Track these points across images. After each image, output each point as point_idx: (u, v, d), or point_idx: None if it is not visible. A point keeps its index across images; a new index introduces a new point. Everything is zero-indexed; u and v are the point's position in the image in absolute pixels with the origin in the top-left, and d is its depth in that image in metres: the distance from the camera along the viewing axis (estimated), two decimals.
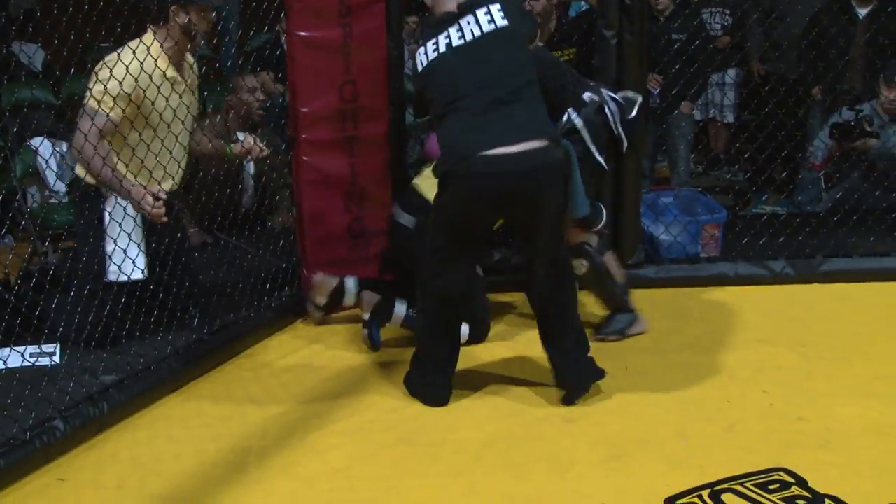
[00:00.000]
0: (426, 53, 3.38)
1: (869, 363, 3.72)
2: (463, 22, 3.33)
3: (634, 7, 4.21)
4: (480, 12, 3.33)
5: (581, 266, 3.89)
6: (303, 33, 4.06)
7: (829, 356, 3.80)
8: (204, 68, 4.19)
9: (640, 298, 4.22)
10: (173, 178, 3.86)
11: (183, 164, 3.91)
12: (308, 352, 3.99)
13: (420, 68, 3.42)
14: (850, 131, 5.24)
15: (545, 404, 3.46)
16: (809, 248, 4.68)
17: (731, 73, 6.55)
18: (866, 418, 3.30)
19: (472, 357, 3.83)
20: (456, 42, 3.32)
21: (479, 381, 3.66)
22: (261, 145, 4.12)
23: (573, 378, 3.50)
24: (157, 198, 3.52)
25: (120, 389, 3.41)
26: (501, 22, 3.31)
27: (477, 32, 3.31)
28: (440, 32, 3.37)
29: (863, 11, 5.83)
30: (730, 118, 6.73)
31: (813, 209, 5.49)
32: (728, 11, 6.42)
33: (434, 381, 3.51)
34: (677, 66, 5.46)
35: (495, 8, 3.33)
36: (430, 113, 3.49)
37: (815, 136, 5.66)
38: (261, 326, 4.09)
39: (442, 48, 3.34)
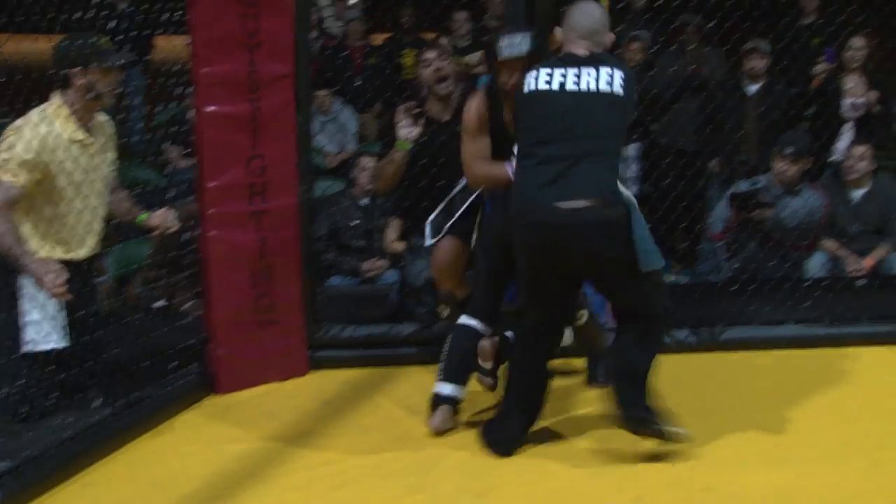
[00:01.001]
0: (538, 79, 3.47)
1: (770, 430, 3.78)
2: (585, 70, 3.44)
3: None
4: (604, 70, 3.44)
5: (582, 315, 4.01)
6: (210, 108, 4.03)
7: (733, 424, 3.83)
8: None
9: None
10: (88, 244, 3.76)
11: (98, 228, 3.81)
12: (214, 430, 3.89)
13: (526, 90, 3.50)
14: (747, 202, 5.38)
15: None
16: (710, 317, 4.76)
17: (633, 146, 6.69)
18: (770, 484, 3.35)
19: None
20: (570, 86, 3.42)
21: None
22: (171, 221, 4.04)
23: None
24: (59, 274, 3.42)
25: (15, 477, 3.24)
26: (618, 90, 3.42)
27: (593, 87, 3.42)
28: (559, 68, 3.46)
29: (753, 88, 6.04)
30: (632, 189, 6.85)
31: (713, 279, 5.59)
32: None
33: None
34: None
35: (618, 75, 3.43)
36: (516, 136, 3.60)
37: (714, 207, 5.80)
38: (167, 405, 3.98)
39: (555, 85, 3.43)
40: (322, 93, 6.46)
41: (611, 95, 3.41)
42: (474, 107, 3.85)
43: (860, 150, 5.45)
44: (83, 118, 3.67)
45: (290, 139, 4.22)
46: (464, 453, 3.65)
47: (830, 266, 5.52)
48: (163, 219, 4.01)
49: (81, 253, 3.70)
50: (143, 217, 4.01)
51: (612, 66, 3.45)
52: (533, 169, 3.43)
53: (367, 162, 5.24)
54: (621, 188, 3.47)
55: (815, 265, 5.48)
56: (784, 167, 5.37)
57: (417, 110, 4.40)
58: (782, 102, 6.03)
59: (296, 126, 4.23)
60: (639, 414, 3.52)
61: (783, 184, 5.41)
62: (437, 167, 4.44)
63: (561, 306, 3.71)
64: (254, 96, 4.09)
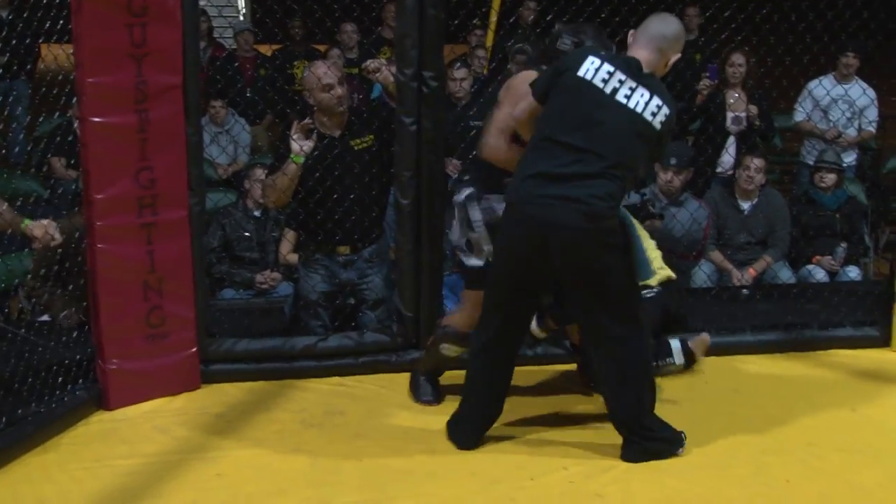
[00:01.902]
0: (598, 70, 3.42)
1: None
2: (640, 90, 3.42)
3: (432, 94, 4.31)
4: (655, 100, 3.43)
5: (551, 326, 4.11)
6: (96, 119, 3.94)
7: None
8: None
9: (441, 378, 4.29)
10: None
11: None
12: (104, 447, 3.80)
13: (580, 72, 3.43)
14: (637, 213, 5.52)
15: None
16: None
17: None
18: (661, 494, 3.43)
19: None
20: (620, 97, 3.41)
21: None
22: (53, 232, 3.95)
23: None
24: None
25: None
26: (657, 125, 3.43)
27: (639, 109, 3.41)
28: (622, 71, 3.43)
29: None
30: None
31: None
32: None
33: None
34: (475, 153, 5.61)
35: (664, 112, 3.44)
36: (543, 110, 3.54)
37: None
38: (54, 422, 3.87)
39: (608, 88, 3.41)
40: (216, 104, 6.41)
41: (649, 126, 3.43)
42: (531, 77, 3.69)
43: (756, 162, 5.64)
44: None
45: (180, 150, 4.16)
46: (359, 465, 3.66)
47: (717, 277, 5.71)
48: (44, 230, 3.92)
49: None
50: (27, 223, 3.92)
51: (664, 100, 3.46)
52: (542, 156, 3.43)
53: (260, 173, 5.21)
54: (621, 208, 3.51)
55: (702, 275, 5.66)
56: (668, 178, 5.53)
57: (311, 125, 4.42)
58: None
59: (186, 137, 4.18)
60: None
61: (667, 194, 5.57)
62: (331, 181, 4.47)
63: (522, 319, 3.74)
64: (142, 107, 4.01)
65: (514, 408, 3.99)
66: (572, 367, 4.46)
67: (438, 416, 4.00)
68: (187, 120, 4.17)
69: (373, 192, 4.60)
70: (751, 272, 5.60)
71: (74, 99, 4.07)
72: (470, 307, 3.97)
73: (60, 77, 4.29)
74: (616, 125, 3.41)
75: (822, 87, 6.49)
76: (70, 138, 4.93)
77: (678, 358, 4.50)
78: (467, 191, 3.93)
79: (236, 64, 7.34)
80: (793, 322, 4.91)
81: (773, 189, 5.88)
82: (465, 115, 5.82)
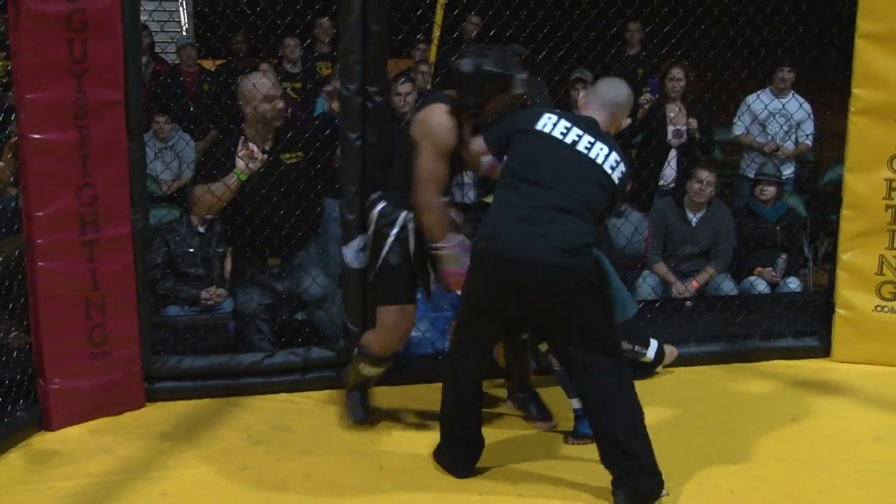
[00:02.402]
0: (556, 125, 3.50)
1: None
2: (600, 144, 3.49)
3: (376, 109, 4.31)
4: (614, 155, 3.51)
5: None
6: (35, 135, 3.89)
7: (571, 444, 3.97)
8: None
9: (390, 394, 4.29)
10: None
11: None
12: (47, 468, 3.74)
13: (539, 127, 3.51)
14: None
15: None
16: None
17: (471, 173, 6.82)
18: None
19: None
20: (581, 148, 3.47)
21: None
22: None
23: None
24: None
25: None
26: (615, 178, 3.50)
27: (599, 160, 3.47)
28: (578, 127, 3.51)
29: None
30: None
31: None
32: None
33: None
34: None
35: (621, 168, 3.52)
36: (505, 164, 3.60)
37: None
38: None
39: (568, 140, 3.48)
40: (160, 119, 6.35)
41: (609, 178, 3.49)
42: (448, 124, 3.75)
43: (706, 175, 5.71)
44: None
45: (122, 166, 4.12)
46: (306, 482, 3.65)
47: (661, 289, 5.77)
48: None
49: None
50: None
51: (621, 157, 3.54)
52: (513, 204, 3.44)
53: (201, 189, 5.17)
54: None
55: (647, 288, 5.72)
56: None
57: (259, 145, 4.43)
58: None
59: (128, 153, 4.14)
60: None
61: None
62: (259, 196, 4.54)
63: (491, 349, 3.84)
64: (82, 123, 3.97)
65: None
66: None
67: (385, 432, 4.02)
68: (129, 136, 4.15)
69: (301, 206, 4.63)
70: (694, 284, 5.66)
71: (13, 115, 4.01)
72: (383, 327, 3.98)
73: None
74: (580, 171, 3.47)
75: (760, 101, 6.60)
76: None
77: (651, 353, 4.60)
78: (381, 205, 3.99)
79: (180, 79, 7.29)
80: (735, 333, 4.99)
81: (719, 201, 5.96)
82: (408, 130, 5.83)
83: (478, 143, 3.78)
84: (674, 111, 6.25)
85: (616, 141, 3.63)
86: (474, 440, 3.71)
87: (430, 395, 4.37)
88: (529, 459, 3.80)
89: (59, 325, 4.02)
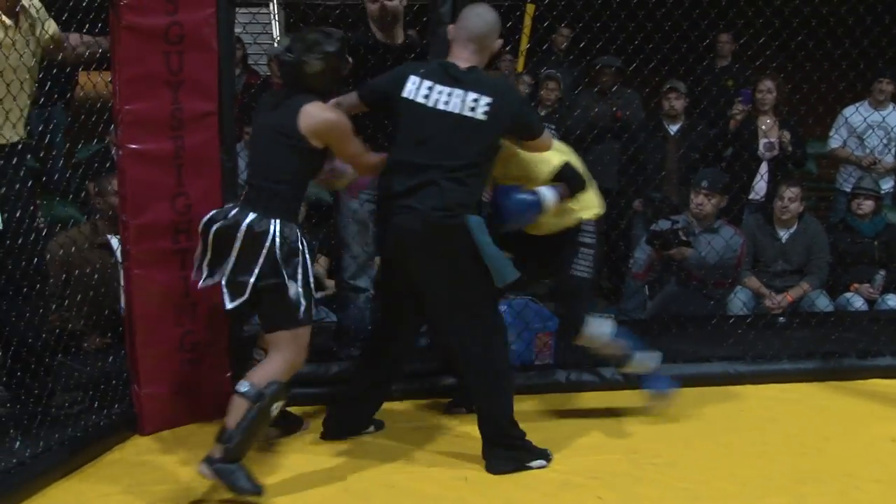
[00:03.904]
0: (418, 89, 3.67)
1: (694, 468, 3.84)
2: (456, 92, 3.64)
3: None
4: (471, 95, 3.63)
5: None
6: (133, 146, 3.99)
7: (658, 462, 3.90)
8: (30, 182, 4.06)
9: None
10: (15, 128, 3.85)
11: (26, 112, 3.94)
12: (138, 471, 3.80)
13: (405, 94, 3.68)
14: (668, 241, 5.50)
15: None
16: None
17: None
18: None
19: None
20: (441, 105, 3.64)
21: None
22: None
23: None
24: None
25: None
26: (480, 116, 3.61)
27: (457, 110, 3.63)
28: (438, 83, 3.67)
29: (674, 128, 6.20)
30: None
31: (638, 316, 5.69)
32: (553, 126, 6.69)
33: None
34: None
35: (484, 101, 3.62)
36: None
37: (638, 246, 5.91)
38: (89, 446, 3.90)
39: (431, 102, 3.65)
40: (250, 129, 6.45)
41: (472, 120, 3.61)
42: (342, 111, 3.75)
43: (792, 191, 5.61)
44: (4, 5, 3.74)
45: (214, 176, 4.19)
46: (389, 492, 3.65)
47: (753, 304, 5.66)
48: None
49: (14, 137, 3.84)
50: None
51: (481, 91, 3.63)
52: (394, 175, 3.68)
53: None
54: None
55: (738, 303, 5.62)
56: (700, 202, 5.51)
57: None
58: (701, 142, 6.20)
59: (220, 163, 4.21)
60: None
61: (699, 220, 5.55)
62: None
63: (409, 328, 3.98)
64: (177, 134, 4.05)
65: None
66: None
67: (469, 444, 4.01)
68: (222, 146, 4.21)
69: None
70: (788, 297, 5.55)
71: (112, 125, 4.12)
72: (299, 348, 3.61)
73: (98, 105, 4.34)
74: (443, 134, 3.62)
75: (859, 114, 6.44)
76: (108, 164, 4.97)
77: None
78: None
79: (271, 90, 7.39)
80: (831, 350, 4.87)
81: (812, 217, 5.84)
82: None
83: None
84: (766, 123, 6.14)
85: (480, 74, 3.73)
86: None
87: (517, 408, 4.36)
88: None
89: (151, 331, 4.10)
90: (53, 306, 4.59)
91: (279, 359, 3.54)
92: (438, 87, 3.66)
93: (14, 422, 3.79)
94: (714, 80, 6.58)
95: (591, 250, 4.08)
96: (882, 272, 5.73)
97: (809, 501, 3.58)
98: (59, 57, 4.13)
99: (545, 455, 3.85)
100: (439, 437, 4.14)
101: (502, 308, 4.86)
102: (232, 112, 4.30)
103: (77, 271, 4.73)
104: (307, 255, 3.55)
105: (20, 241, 3.83)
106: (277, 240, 3.45)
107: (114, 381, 4.20)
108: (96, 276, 4.64)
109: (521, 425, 3.87)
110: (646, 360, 4.24)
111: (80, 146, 6.00)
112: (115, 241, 4.57)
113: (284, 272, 3.45)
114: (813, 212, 6.43)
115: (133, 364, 4.13)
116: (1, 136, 3.80)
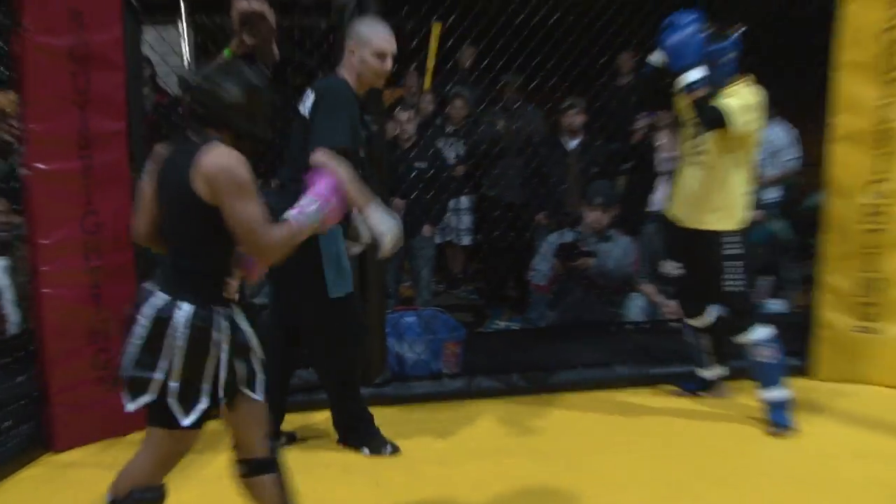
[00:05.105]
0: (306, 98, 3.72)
1: (598, 471, 3.93)
2: (309, 93, 3.71)
3: (372, 135, 4.35)
4: (309, 95, 3.71)
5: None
6: (41, 165, 3.96)
7: (564, 464, 3.99)
8: None
9: (388, 415, 4.32)
10: None
11: None
12: (53, 488, 3.78)
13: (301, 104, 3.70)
14: (570, 252, 5.63)
15: None
16: (539, 361, 4.94)
17: (465, 199, 6.88)
18: None
19: None
20: (302, 111, 3.71)
21: None
22: None
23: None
24: None
25: None
26: (305, 112, 3.68)
27: (303, 112, 3.70)
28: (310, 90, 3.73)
29: (573, 143, 6.33)
30: (466, 241, 7.04)
31: (541, 324, 5.80)
32: (462, 141, 6.78)
33: None
34: (417, 192, 5.74)
35: (310, 99, 3.68)
36: None
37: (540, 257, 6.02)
38: (1, 465, 3.86)
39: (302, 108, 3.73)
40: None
41: (304, 119, 3.69)
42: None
43: None
44: None
45: (125, 194, 4.17)
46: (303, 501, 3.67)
47: (650, 310, 5.81)
48: None
49: None
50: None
51: (313, 88, 3.72)
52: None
53: None
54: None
55: (636, 308, 5.76)
56: (595, 216, 5.65)
57: None
58: (601, 157, 6.35)
59: (131, 181, 4.19)
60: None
61: (595, 232, 5.69)
62: None
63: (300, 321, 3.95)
64: (86, 153, 4.03)
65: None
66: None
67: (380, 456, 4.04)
68: (132, 164, 4.19)
69: None
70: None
71: (18, 145, 4.07)
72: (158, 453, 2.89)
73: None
74: (295, 138, 3.75)
75: None
76: (15, 184, 4.88)
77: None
78: None
79: (180, 109, 7.34)
80: (721, 352, 5.01)
81: None
82: (408, 156, 5.96)
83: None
84: (662, 139, 6.30)
85: (330, 76, 3.81)
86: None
87: (425, 416, 4.43)
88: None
89: (63, 350, 4.07)
90: None
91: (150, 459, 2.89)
92: (309, 92, 3.76)
93: None
94: (615, 96, 6.72)
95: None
96: (768, 278, 5.91)
97: (694, 492, 3.70)
98: None
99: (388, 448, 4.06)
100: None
101: (412, 319, 4.97)
102: (141, 131, 4.28)
103: None
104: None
105: None
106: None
107: (23, 401, 4.14)
108: None
109: (430, 433, 3.93)
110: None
111: None
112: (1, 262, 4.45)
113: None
114: None
115: (44, 383, 4.08)
116: None
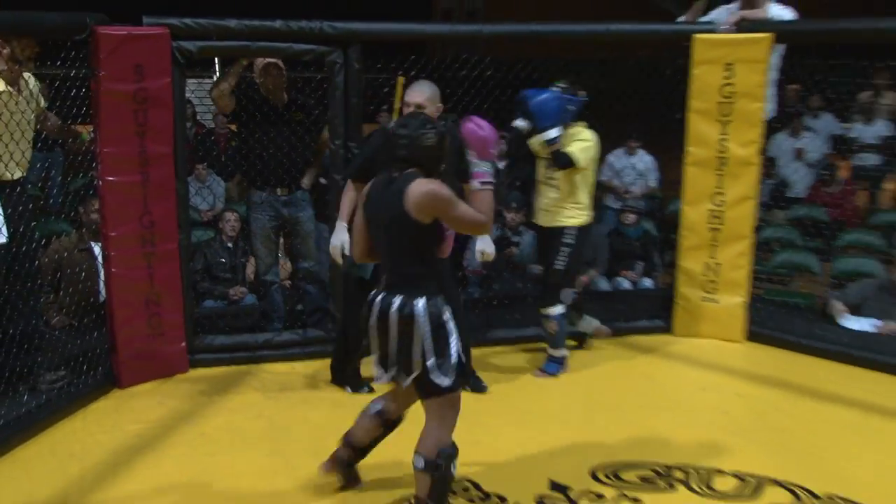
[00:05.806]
0: None
1: (522, 402, 3.98)
2: None
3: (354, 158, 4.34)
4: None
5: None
6: (111, 178, 3.94)
7: (495, 396, 4.02)
8: (31, 205, 3.94)
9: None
10: (19, 167, 3.74)
11: (28, 156, 3.81)
12: (118, 415, 3.75)
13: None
14: (500, 243, 5.65)
15: None
16: (479, 321, 4.98)
17: None
18: (520, 437, 3.53)
19: None
20: None
21: None
22: None
23: None
24: None
25: None
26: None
27: None
28: None
29: (500, 164, 6.34)
30: None
31: (480, 297, 5.80)
32: None
33: None
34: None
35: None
36: None
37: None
38: (82, 397, 3.84)
39: None
40: (199, 166, 6.37)
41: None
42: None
43: None
44: (9, 78, 3.65)
45: (171, 200, 4.16)
46: (306, 424, 3.70)
47: None
48: None
49: (17, 175, 3.72)
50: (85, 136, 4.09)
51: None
52: None
53: (231, 217, 5.22)
54: None
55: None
56: (512, 216, 5.69)
57: None
58: (522, 175, 6.34)
59: (176, 191, 4.19)
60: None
61: (511, 228, 5.72)
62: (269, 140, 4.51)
63: None
64: (144, 169, 4.02)
65: None
66: None
67: (359, 394, 4.07)
68: (177, 178, 4.18)
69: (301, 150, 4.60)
70: (584, 279, 5.76)
71: (95, 163, 4.04)
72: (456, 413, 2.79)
73: (84, 147, 4.25)
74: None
75: (616, 158, 6.66)
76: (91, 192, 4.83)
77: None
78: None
79: (213, 138, 7.29)
80: (608, 317, 5.08)
81: (596, 224, 6.04)
82: None
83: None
84: None
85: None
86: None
87: None
88: None
89: (126, 314, 4.05)
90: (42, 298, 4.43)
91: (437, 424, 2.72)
92: None
93: (14, 386, 3.68)
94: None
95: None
96: (641, 264, 5.99)
97: (579, 417, 3.75)
98: (40, 124, 3.99)
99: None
100: None
101: None
102: (184, 153, 4.27)
103: (68, 270, 4.61)
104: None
105: (23, 249, 3.73)
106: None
107: (98, 350, 4.11)
108: (83, 274, 4.54)
109: None
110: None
111: (70, 178, 5.83)
112: (96, 248, 4.44)
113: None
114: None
115: (112, 338, 4.07)
116: (9, 173, 3.69)
